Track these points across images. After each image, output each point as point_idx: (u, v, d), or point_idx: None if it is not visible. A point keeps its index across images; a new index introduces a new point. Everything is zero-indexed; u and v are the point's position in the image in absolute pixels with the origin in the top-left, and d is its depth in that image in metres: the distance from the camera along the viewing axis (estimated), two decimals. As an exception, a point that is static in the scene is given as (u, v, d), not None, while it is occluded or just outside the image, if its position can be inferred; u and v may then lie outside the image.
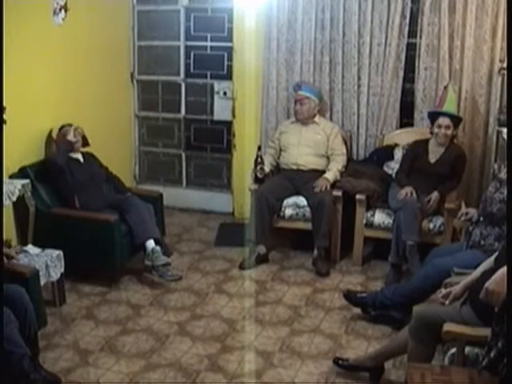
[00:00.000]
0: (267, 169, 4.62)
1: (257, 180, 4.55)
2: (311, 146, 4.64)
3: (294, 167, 4.68)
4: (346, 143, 4.79)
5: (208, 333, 3.58)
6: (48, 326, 3.52)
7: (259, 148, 4.59)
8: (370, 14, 4.68)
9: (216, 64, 5.39)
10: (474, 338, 2.51)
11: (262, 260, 4.50)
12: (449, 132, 4.25)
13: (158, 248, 4.10)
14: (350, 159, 4.90)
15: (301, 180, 4.60)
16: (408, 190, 4.18)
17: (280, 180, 4.67)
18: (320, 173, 4.59)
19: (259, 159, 4.52)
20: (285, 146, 4.73)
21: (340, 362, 3.18)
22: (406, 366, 2.73)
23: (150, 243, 4.09)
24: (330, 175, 4.53)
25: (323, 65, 4.91)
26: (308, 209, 4.55)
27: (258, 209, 4.43)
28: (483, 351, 2.40)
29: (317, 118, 4.70)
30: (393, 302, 3.54)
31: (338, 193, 4.44)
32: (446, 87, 4.45)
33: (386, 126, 4.86)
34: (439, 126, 4.25)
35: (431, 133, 4.36)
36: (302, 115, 4.63)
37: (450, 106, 4.31)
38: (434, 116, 4.30)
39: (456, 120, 4.31)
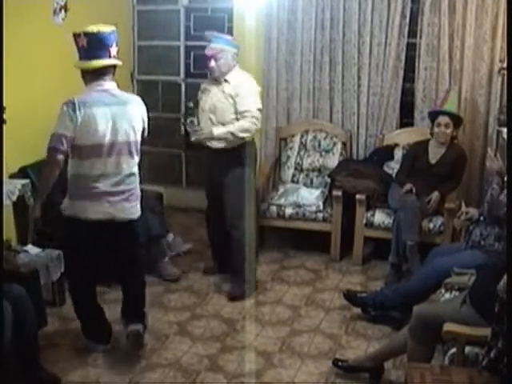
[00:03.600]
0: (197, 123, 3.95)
1: (187, 135, 4.04)
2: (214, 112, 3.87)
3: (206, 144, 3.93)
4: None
5: (208, 333, 3.58)
6: (48, 326, 3.52)
7: (198, 102, 3.99)
8: (370, 14, 4.69)
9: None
10: (474, 338, 2.51)
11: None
12: (448, 131, 4.26)
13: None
14: (350, 159, 4.92)
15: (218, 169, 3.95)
16: (409, 186, 4.20)
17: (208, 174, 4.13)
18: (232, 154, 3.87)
19: (190, 110, 3.96)
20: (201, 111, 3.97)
21: (339, 363, 3.17)
22: (406, 366, 2.73)
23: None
24: (217, 129, 3.81)
25: (323, 65, 4.92)
26: (308, 208, 4.55)
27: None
28: (483, 351, 2.41)
29: (230, 75, 3.85)
30: (393, 302, 3.54)
31: (338, 193, 4.44)
32: (448, 91, 4.48)
33: (386, 126, 4.87)
34: (439, 125, 4.27)
35: (431, 134, 4.37)
36: (219, 72, 3.84)
37: (450, 106, 4.32)
38: (433, 116, 4.32)
39: (456, 119, 4.31)
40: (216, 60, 3.79)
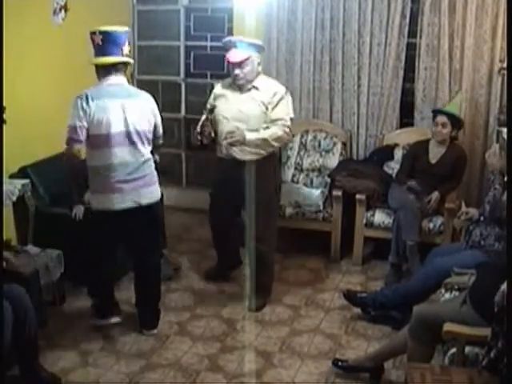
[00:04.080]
0: (213, 134, 3.70)
1: (202, 145, 3.75)
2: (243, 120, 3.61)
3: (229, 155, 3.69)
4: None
5: (208, 333, 3.58)
6: (48, 326, 3.52)
7: (212, 110, 3.74)
8: (370, 14, 4.69)
9: (216, 64, 5.39)
10: (474, 338, 2.51)
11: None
12: (445, 131, 4.27)
13: None
14: (350, 159, 4.92)
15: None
16: (411, 182, 4.23)
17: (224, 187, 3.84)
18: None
19: (207, 122, 3.66)
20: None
21: (339, 363, 3.18)
22: (406, 366, 2.73)
23: None
24: (251, 135, 3.55)
25: (323, 65, 4.92)
26: (308, 208, 4.55)
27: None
28: (483, 351, 2.41)
29: (258, 81, 3.65)
30: (393, 302, 3.54)
31: (338, 193, 4.44)
32: (457, 92, 4.52)
33: (386, 126, 4.87)
34: (436, 124, 4.29)
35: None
36: (245, 80, 3.61)
37: (451, 107, 4.34)
38: (434, 115, 4.35)
39: (455, 120, 4.32)
40: (242, 68, 3.55)
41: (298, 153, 4.97)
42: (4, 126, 3.32)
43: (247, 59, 3.55)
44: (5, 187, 3.63)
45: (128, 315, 3.72)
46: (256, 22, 4.91)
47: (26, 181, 3.85)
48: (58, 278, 3.71)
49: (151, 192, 3.35)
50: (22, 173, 3.99)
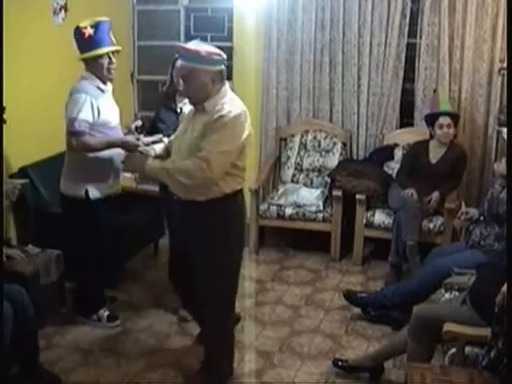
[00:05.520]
0: (153, 152, 3.01)
1: None
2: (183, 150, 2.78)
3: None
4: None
5: (208, 333, 3.58)
6: (48, 326, 3.52)
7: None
8: (369, 13, 4.69)
9: (216, 64, 5.38)
10: (474, 338, 2.51)
11: None
12: (451, 131, 4.28)
13: None
14: (350, 159, 4.92)
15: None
16: (410, 191, 4.18)
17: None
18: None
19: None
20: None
21: (339, 363, 3.17)
22: (406, 366, 2.73)
23: None
24: (154, 163, 2.78)
25: (323, 65, 4.92)
26: (308, 208, 4.55)
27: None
28: (483, 351, 2.41)
29: (210, 102, 2.71)
30: (393, 302, 3.54)
31: (338, 193, 4.45)
32: (435, 91, 4.50)
33: (386, 126, 4.87)
34: (441, 127, 4.26)
35: (431, 135, 4.37)
36: (193, 98, 2.78)
37: (446, 106, 4.33)
38: (433, 118, 4.32)
39: (455, 118, 4.32)
40: (187, 82, 2.73)
41: (298, 153, 4.97)
42: (4, 126, 3.32)
43: (189, 72, 2.69)
44: (5, 187, 3.63)
45: (128, 314, 3.73)
46: (256, 22, 4.92)
47: (26, 181, 3.85)
48: (58, 277, 3.71)
49: (62, 181, 3.48)
50: (22, 173, 3.99)
